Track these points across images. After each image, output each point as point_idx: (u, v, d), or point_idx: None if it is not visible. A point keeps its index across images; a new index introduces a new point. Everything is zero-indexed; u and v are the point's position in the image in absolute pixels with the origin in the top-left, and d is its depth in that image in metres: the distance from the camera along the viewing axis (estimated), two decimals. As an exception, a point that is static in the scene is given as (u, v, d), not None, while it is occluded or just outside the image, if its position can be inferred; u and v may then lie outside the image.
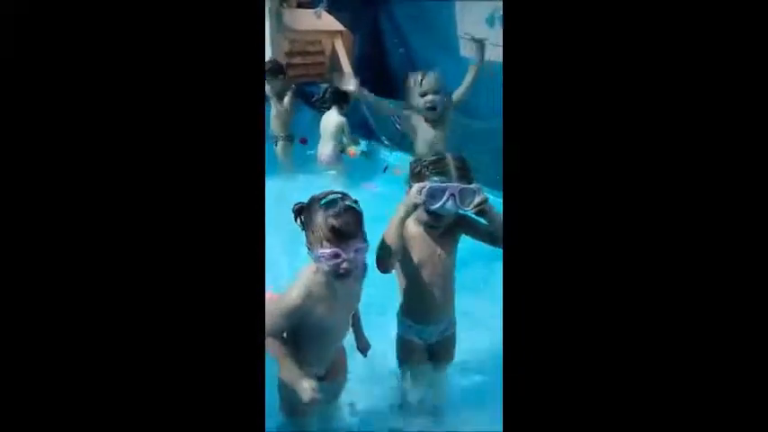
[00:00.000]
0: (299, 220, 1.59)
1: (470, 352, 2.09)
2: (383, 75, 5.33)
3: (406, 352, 1.93)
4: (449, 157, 1.73)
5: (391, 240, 1.66)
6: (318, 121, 5.10)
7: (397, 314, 1.92)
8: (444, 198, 1.62)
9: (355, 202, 1.56)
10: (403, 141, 4.57)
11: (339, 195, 1.56)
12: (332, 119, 4.59)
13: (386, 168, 4.43)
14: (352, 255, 1.50)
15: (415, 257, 1.77)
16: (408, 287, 1.83)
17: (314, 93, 5.42)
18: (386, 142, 4.78)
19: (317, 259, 1.52)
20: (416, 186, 1.65)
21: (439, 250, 1.78)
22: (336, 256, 1.49)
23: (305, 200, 1.60)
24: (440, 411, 1.98)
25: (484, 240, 1.77)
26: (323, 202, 1.52)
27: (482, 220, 1.72)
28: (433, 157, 1.74)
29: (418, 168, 1.74)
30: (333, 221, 1.48)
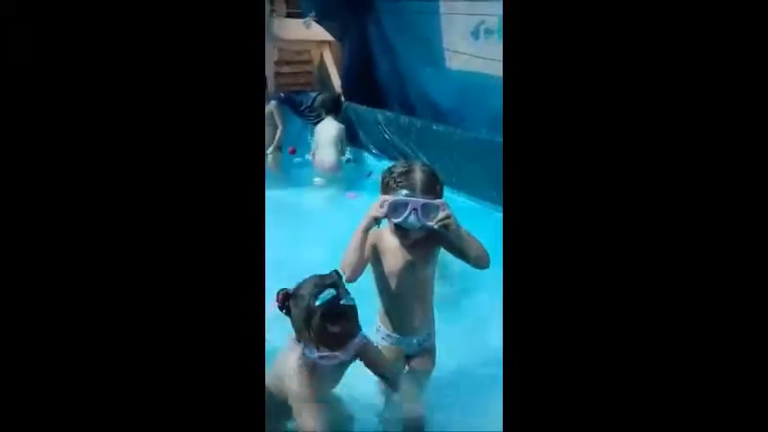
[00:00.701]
0: (284, 310, 1.49)
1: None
2: (370, 84, 5.42)
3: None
4: (417, 170, 1.71)
5: (352, 251, 1.67)
6: (308, 130, 5.17)
7: (375, 324, 1.94)
8: (406, 212, 1.62)
9: (346, 292, 1.47)
10: (389, 150, 4.66)
11: (334, 291, 1.42)
12: (330, 127, 4.63)
13: (369, 174, 4.51)
14: (350, 354, 1.45)
15: (389, 268, 1.78)
16: (384, 298, 1.85)
17: (302, 101, 5.50)
18: (373, 151, 4.85)
19: (315, 359, 1.44)
20: (380, 199, 1.66)
21: (415, 262, 1.78)
22: (335, 358, 1.43)
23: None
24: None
25: (457, 256, 1.77)
26: (319, 302, 1.40)
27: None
28: (402, 169, 1.72)
29: (387, 179, 1.72)
30: (333, 329, 1.40)
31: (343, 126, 4.66)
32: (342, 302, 1.42)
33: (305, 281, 1.49)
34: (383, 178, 1.76)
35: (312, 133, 4.83)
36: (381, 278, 1.81)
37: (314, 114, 5.32)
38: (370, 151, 4.91)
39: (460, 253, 1.74)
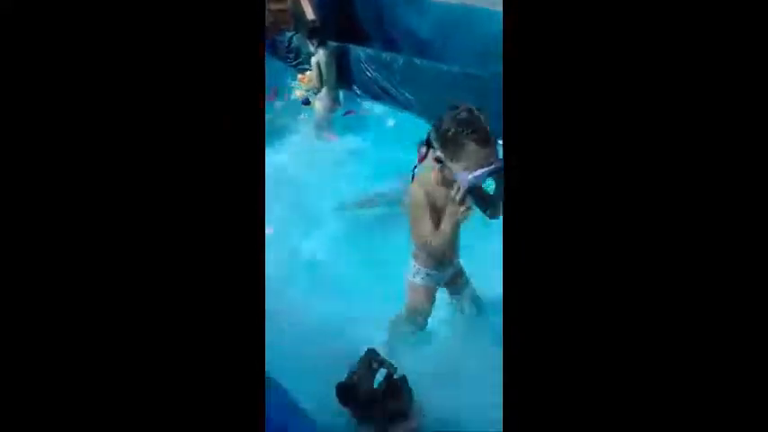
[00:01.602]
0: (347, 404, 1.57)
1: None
2: (347, 19, 5.29)
3: (420, 295, 2.02)
4: (476, 113, 1.64)
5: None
6: (288, 73, 5.06)
7: (412, 266, 2.01)
8: (488, 177, 1.66)
9: (392, 365, 1.56)
10: (372, 89, 4.62)
11: (384, 370, 1.53)
12: (331, 58, 4.43)
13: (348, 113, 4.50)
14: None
15: (442, 215, 1.81)
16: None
17: (281, 43, 5.36)
18: (357, 91, 4.81)
19: None
20: (460, 178, 1.64)
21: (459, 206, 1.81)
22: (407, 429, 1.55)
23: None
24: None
25: (480, 204, 1.84)
26: (377, 385, 1.51)
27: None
28: (463, 114, 1.63)
29: (451, 130, 1.63)
30: (395, 404, 1.52)
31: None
32: (395, 377, 1.52)
33: (352, 373, 1.56)
34: (441, 132, 1.68)
35: (294, 77, 4.73)
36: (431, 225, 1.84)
37: (292, 55, 5.21)
38: (353, 91, 4.85)
39: (488, 201, 1.80)
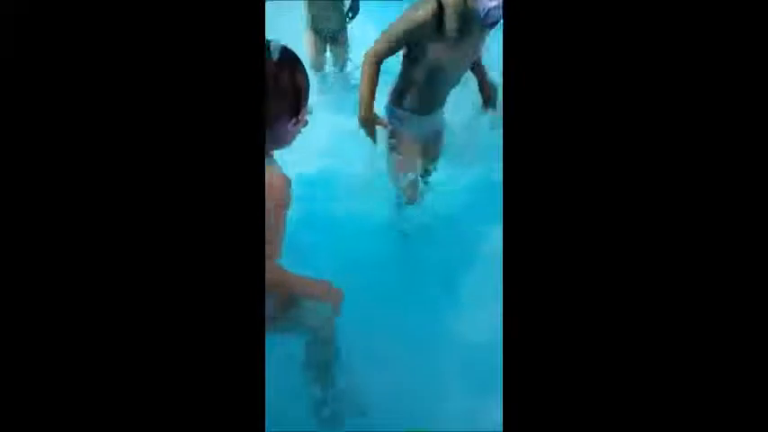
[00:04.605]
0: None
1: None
2: None
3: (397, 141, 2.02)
4: None
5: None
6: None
7: (387, 105, 2.01)
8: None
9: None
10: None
11: (279, 45, 1.33)
12: None
13: None
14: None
15: (437, 61, 1.84)
16: (418, 82, 1.91)
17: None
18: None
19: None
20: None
21: (459, 59, 1.88)
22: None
23: None
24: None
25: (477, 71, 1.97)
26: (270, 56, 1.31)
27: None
28: None
29: None
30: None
31: None
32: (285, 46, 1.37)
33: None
34: None
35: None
36: (423, 66, 1.88)
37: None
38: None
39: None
